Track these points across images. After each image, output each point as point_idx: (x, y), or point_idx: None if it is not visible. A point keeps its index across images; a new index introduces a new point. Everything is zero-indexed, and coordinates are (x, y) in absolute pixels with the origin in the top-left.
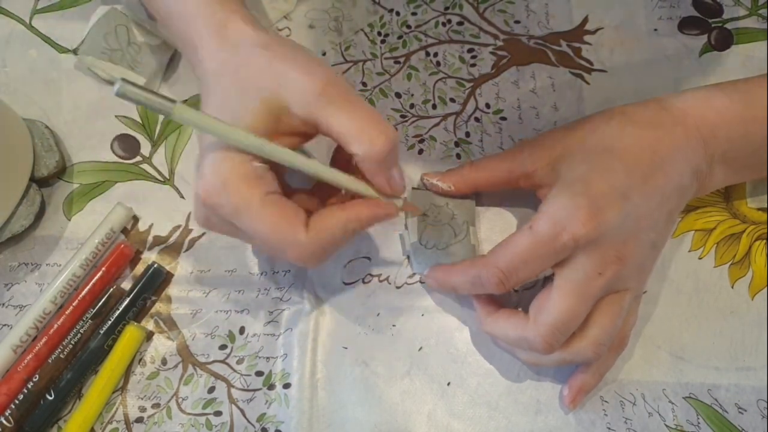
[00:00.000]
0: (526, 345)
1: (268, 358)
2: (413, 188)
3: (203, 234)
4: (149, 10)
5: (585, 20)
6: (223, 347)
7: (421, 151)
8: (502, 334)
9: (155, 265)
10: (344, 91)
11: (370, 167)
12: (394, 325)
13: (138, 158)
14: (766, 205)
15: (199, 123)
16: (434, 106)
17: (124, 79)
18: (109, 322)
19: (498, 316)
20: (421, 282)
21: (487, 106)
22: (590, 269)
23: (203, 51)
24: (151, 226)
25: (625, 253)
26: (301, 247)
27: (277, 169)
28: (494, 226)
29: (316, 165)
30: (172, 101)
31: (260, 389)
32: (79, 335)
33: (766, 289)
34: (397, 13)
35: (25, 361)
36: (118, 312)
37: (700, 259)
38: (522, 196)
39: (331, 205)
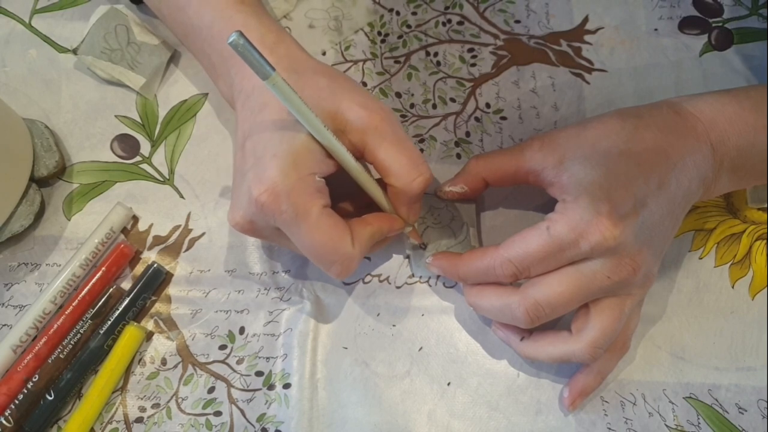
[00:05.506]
0: (509, 315)
1: (268, 358)
2: None
3: (203, 234)
4: (170, 27)
5: (585, 20)
6: (223, 347)
7: (421, 151)
8: (488, 303)
9: (155, 265)
10: (396, 128)
11: (401, 198)
12: (394, 325)
13: (138, 158)
14: (766, 206)
15: (289, 96)
16: (434, 106)
17: (240, 32)
18: (109, 322)
19: (484, 287)
20: (421, 282)
21: (488, 105)
22: (600, 273)
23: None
24: (150, 226)
25: (639, 263)
26: (350, 258)
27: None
28: (496, 226)
29: (366, 174)
30: (273, 69)
31: (260, 389)
32: (78, 335)
33: (766, 289)
34: (398, 13)
35: (25, 361)
36: (117, 312)
37: (700, 259)
38: (525, 200)
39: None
